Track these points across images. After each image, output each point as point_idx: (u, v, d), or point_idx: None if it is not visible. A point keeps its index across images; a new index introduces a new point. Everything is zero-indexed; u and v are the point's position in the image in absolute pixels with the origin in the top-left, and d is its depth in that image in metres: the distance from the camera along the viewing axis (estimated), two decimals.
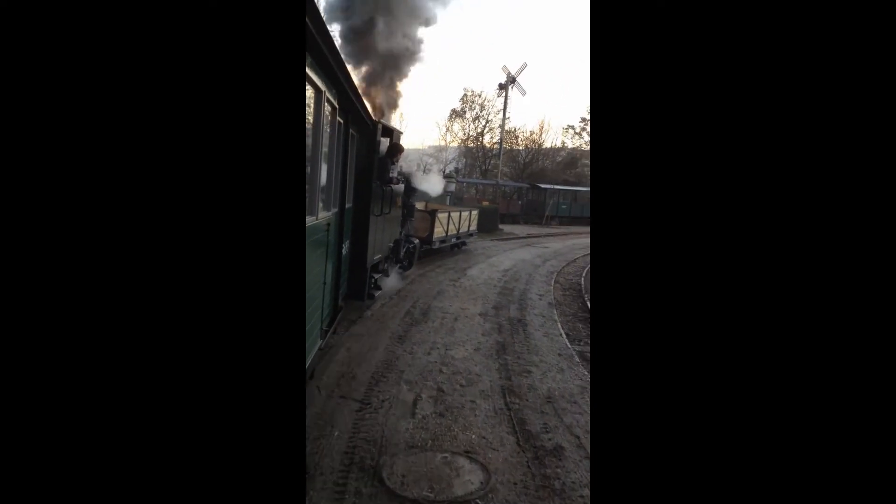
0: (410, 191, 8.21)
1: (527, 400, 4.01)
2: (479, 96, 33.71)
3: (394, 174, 6.46)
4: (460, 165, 32.77)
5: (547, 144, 36.71)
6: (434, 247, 10.41)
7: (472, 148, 33.76)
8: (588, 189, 31.55)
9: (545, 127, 43.22)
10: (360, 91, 4.58)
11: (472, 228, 13.05)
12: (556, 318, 6.83)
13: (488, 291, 8.12)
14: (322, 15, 2.59)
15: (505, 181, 27.62)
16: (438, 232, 10.44)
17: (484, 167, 33.04)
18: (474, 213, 13.45)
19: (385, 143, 6.22)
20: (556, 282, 9.70)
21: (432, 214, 10.05)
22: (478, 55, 63.99)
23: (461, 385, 4.17)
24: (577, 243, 18.13)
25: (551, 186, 28.55)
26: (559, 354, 5.23)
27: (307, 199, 3.02)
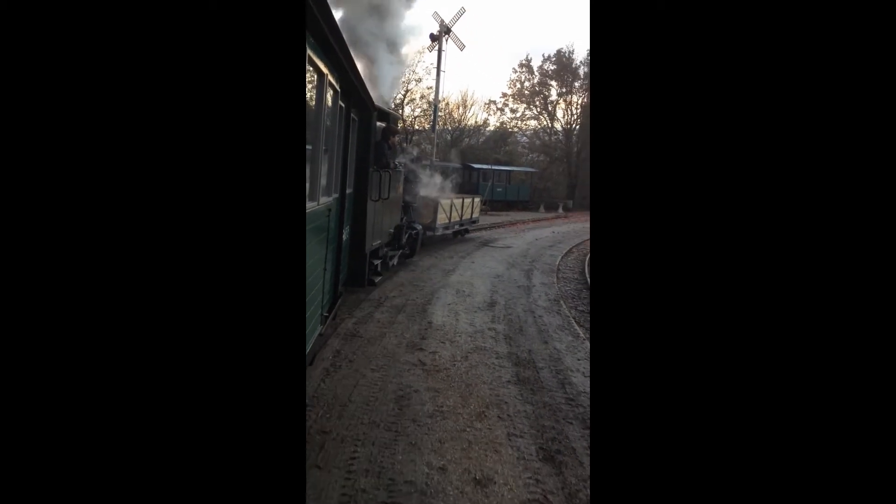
0: (412, 177, 8.13)
1: None
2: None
3: (392, 159, 6.51)
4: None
5: (470, 122, 32.50)
6: (437, 233, 10.18)
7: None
8: (522, 169, 27.94)
9: (469, 101, 38.80)
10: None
11: (474, 216, 12.59)
12: None
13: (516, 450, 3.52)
14: None
15: (438, 161, 22.83)
16: (441, 219, 10.19)
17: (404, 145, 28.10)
18: (476, 200, 13.00)
19: (382, 127, 6.31)
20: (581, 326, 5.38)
21: (435, 201, 9.72)
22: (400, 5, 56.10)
23: None
24: (538, 236, 14.12)
25: (486, 166, 24.39)
26: None
27: (308, 185, 2.87)
